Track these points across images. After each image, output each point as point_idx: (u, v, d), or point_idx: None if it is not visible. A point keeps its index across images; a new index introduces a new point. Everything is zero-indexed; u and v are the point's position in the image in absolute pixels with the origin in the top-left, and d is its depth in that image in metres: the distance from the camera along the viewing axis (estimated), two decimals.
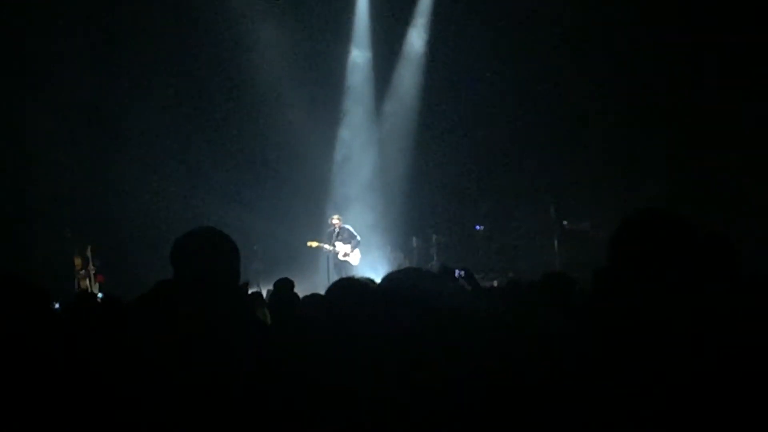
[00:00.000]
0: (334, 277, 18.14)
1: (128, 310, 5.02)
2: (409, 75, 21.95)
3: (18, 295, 4.03)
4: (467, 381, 2.93)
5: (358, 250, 19.34)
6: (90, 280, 18.10)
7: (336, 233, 19.20)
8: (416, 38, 21.86)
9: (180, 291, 3.67)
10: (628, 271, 3.10)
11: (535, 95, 20.24)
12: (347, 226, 19.40)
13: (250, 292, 10.26)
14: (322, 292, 10.78)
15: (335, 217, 19.47)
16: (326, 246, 19.09)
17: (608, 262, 3.18)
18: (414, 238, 21.64)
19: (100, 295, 14.24)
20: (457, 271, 8.44)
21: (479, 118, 20.65)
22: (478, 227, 21.20)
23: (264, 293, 12.53)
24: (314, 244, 19.18)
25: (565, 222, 19.64)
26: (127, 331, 3.87)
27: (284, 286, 9.23)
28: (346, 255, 19.11)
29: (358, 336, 3.38)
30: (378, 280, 4.04)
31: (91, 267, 18.21)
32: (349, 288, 3.99)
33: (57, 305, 6.81)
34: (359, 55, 22.01)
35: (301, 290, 9.95)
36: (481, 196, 21.35)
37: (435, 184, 21.30)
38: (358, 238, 19.38)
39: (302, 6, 20.57)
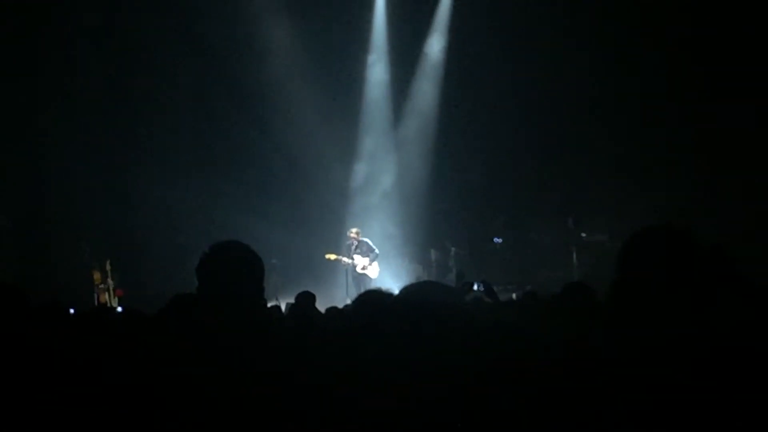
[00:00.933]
0: (353, 291, 18.16)
1: (148, 323, 5.04)
2: (427, 85, 21.90)
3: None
4: (487, 394, 2.92)
5: (377, 263, 19.31)
6: (109, 294, 18.15)
7: (355, 246, 19.18)
8: (434, 46, 21.80)
9: (202, 305, 3.68)
10: (637, 284, 3.11)
11: (554, 107, 20.20)
12: (366, 239, 19.38)
13: (268, 305, 10.26)
14: (341, 305, 10.81)
15: (354, 230, 19.44)
16: (344, 259, 19.08)
17: (618, 275, 3.20)
18: (432, 251, 21.60)
19: (119, 309, 14.27)
20: (476, 284, 8.44)
21: (498, 129, 20.60)
22: (496, 239, 21.16)
23: (282, 306, 12.53)
24: (332, 256, 19.17)
25: (583, 234, 19.60)
26: (148, 344, 3.88)
27: (306, 300, 9.25)
28: (364, 268, 19.09)
29: (377, 348, 3.38)
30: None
31: (110, 281, 18.26)
32: (372, 300, 3.98)
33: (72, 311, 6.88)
34: (377, 65, 21.99)
35: (320, 304, 9.96)
36: (499, 209, 21.32)
37: (453, 196, 21.26)
38: (377, 251, 19.36)
39: (319, 15, 20.54)
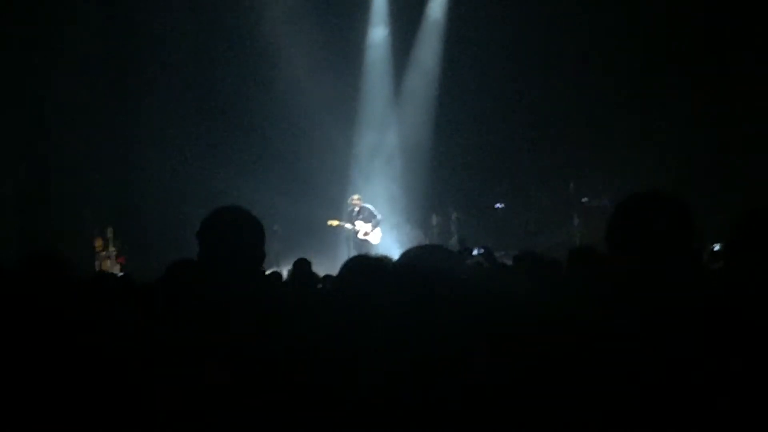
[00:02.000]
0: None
1: (148, 290, 5.04)
2: (429, 50, 21.85)
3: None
4: (482, 364, 2.91)
5: (379, 229, 19.31)
6: (111, 261, 18.18)
7: (357, 212, 19.18)
8: (436, 10, 21.72)
9: (202, 270, 3.67)
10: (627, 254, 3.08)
11: (557, 69, 20.17)
12: (368, 205, 19.36)
13: (269, 271, 10.28)
14: None
15: (356, 196, 19.43)
16: (347, 225, 19.08)
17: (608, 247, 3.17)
18: (434, 216, 21.59)
19: (120, 275, 14.29)
20: (476, 249, 8.43)
21: (499, 95, 20.56)
22: (497, 205, 21.16)
23: (284, 273, 12.54)
24: (335, 222, 19.16)
25: (584, 199, 19.58)
26: (148, 311, 3.88)
27: (302, 267, 9.28)
28: (366, 234, 19.09)
29: (370, 315, 3.37)
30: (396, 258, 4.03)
31: (111, 248, 18.29)
32: (363, 266, 3.98)
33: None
34: (378, 30, 21.92)
35: (322, 270, 9.98)
36: (500, 174, 21.29)
37: (455, 162, 21.23)
38: (379, 217, 19.35)
39: None
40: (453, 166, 21.24)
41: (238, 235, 3.67)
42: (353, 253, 18.45)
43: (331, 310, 3.66)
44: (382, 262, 3.99)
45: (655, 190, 3.15)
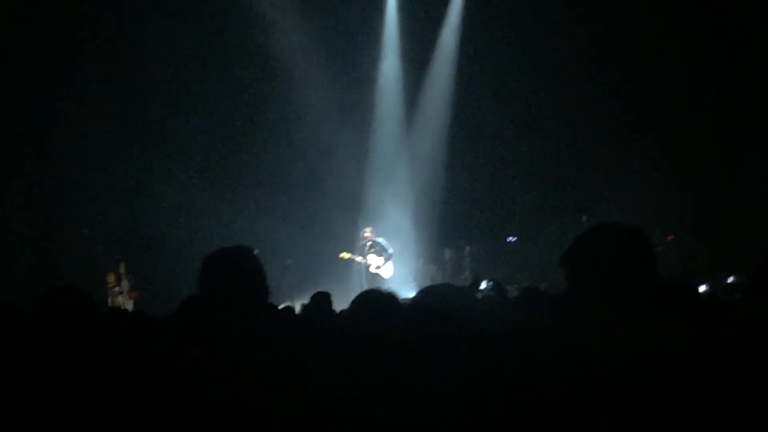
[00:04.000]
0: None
1: (159, 325, 5.03)
2: (440, 82, 21.83)
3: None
4: (489, 401, 2.91)
5: (391, 263, 19.27)
6: (123, 297, 18.18)
7: (369, 246, 19.15)
8: (446, 46, 21.75)
9: (206, 308, 3.67)
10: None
11: (569, 103, 20.17)
12: (379, 239, 19.34)
13: (281, 306, 10.24)
14: None
15: (368, 229, 19.41)
16: (358, 258, 19.04)
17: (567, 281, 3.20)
18: (446, 250, 21.54)
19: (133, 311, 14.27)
20: (484, 282, 8.38)
21: (512, 128, 20.58)
22: (510, 238, 21.11)
23: (297, 307, 12.50)
24: (347, 255, 19.13)
25: None
26: (157, 346, 3.88)
27: (321, 300, 9.18)
28: (378, 267, 19.06)
29: (380, 351, 3.36)
30: (406, 293, 4.02)
31: (124, 283, 18.29)
32: (372, 301, 3.96)
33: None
34: (390, 63, 21.94)
35: (337, 305, 9.92)
36: (513, 207, 21.27)
37: (467, 195, 21.21)
38: (391, 251, 19.32)
39: (331, 13, 20.53)
40: (466, 199, 21.21)
41: (231, 278, 3.67)
42: (365, 286, 18.42)
43: (342, 346, 3.65)
44: (392, 297, 3.98)
45: (615, 222, 3.22)
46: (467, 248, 20.95)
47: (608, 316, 2.98)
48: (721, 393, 2.75)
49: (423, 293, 3.44)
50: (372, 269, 19.04)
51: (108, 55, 19.74)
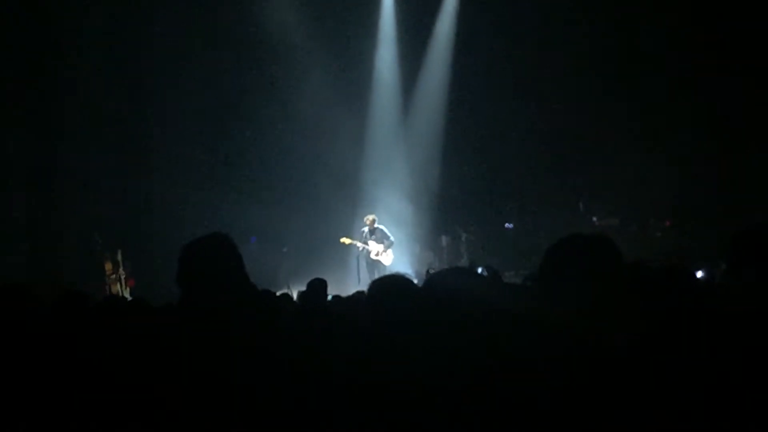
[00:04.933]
0: (365, 276, 18.21)
1: (154, 313, 5.04)
2: (437, 71, 21.84)
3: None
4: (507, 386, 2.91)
5: (391, 251, 19.26)
6: (121, 284, 18.18)
7: (370, 232, 19.15)
8: (443, 32, 21.72)
9: (187, 298, 3.67)
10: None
11: (565, 89, 20.17)
12: (381, 227, 19.32)
13: (278, 293, 10.25)
14: (352, 291, 10.78)
15: (370, 216, 19.36)
16: (359, 243, 19.02)
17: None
18: (443, 237, 21.57)
19: (130, 298, 14.29)
20: (479, 269, 8.38)
21: (509, 115, 20.58)
22: (507, 225, 21.12)
23: (294, 294, 12.52)
24: (347, 240, 19.10)
25: (594, 218, 19.56)
26: (150, 332, 3.89)
27: (318, 287, 9.22)
28: (378, 254, 19.03)
29: (400, 336, 3.35)
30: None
31: (121, 271, 18.29)
32: (394, 286, 3.91)
33: None
34: (386, 49, 21.93)
35: (331, 290, 9.93)
36: (510, 194, 21.28)
37: (464, 182, 21.22)
38: (392, 238, 19.29)
39: (328, 3, 20.54)
40: (462, 186, 21.23)
41: (212, 264, 3.66)
42: (365, 272, 18.44)
43: (351, 331, 3.64)
44: (412, 283, 3.95)
45: (580, 233, 3.26)
46: (464, 235, 20.96)
47: (578, 306, 3.02)
48: (686, 378, 2.80)
49: (434, 279, 3.43)
50: (372, 255, 19.02)
51: (107, 47, 19.72)
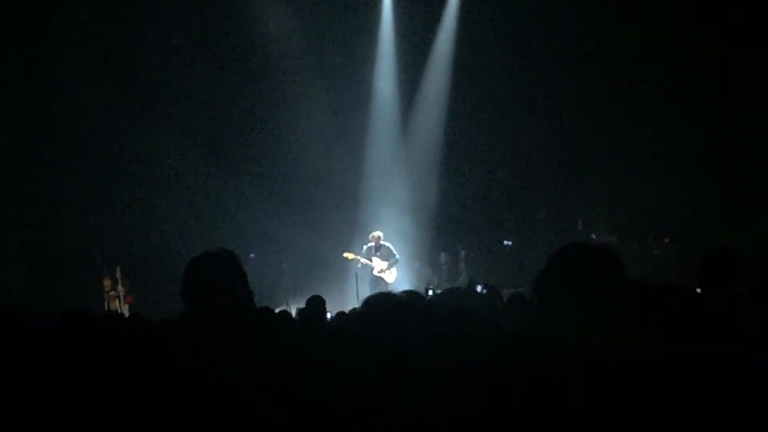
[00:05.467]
0: (365, 293, 18.11)
1: (153, 330, 5.06)
2: (436, 86, 21.83)
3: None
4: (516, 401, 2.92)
5: (395, 269, 19.18)
6: (120, 301, 18.19)
7: (375, 249, 19.09)
8: (442, 49, 21.74)
9: (191, 315, 3.68)
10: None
11: (564, 106, 20.19)
12: (387, 244, 19.24)
13: (277, 310, 10.24)
14: (350, 308, 10.75)
15: (376, 233, 19.29)
16: (362, 259, 18.95)
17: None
18: (442, 254, 21.56)
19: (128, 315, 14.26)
20: (479, 287, 8.39)
21: (508, 131, 20.60)
22: (506, 242, 21.10)
23: (293, 312, 12.50)
24: (350, 255, 19.01)
25: (593, 235, 19.55)
26: (150, 351, 3.89)
27: (315, 304, 9.22)
28: (381, 271, 18.96)
29: (393, 353, 3.36)
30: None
31: (120, 288, 18.29)
32: (388, 304, 3.91)
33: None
34: (386, 66, 21.95)
35: (330, 308, 9.94)
36: (509, 211, 21.28)
37: (463, 199, 21.23)
38: (397, 257, 19.21)
39: (327, 17, 20.58)
40: (461, 203, 21.24)
41: (216, 282, 3.66)
42: (363, 289, 18.36)
43: (349, 347, 3.64)
44: (409, 300, 3.95)
45: (584, 242, 3.32)
46: (463, 252, 20.96)
47: (577, 319, 3.02)
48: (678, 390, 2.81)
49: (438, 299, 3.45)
50: (375, 272, 18.97)
51: (102, 58, 19.71)
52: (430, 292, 14.98)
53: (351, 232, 20.60)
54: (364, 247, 19.21)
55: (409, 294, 4.28)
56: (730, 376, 2.92)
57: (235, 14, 20.39)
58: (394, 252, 19.21)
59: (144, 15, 19.78)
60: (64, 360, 4.28)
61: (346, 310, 10.58)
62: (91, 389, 3.74)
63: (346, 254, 19.08)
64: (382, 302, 3.89)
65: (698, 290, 9.37)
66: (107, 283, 18.30)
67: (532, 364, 2.95)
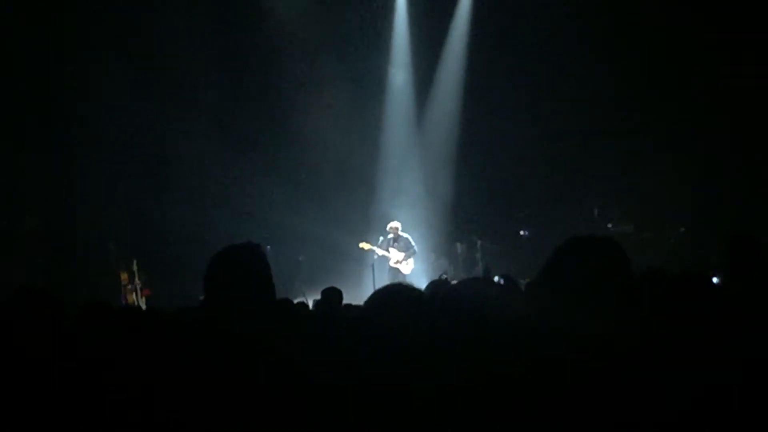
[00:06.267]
0: (384, 283, 18.08)
1: (169, 322, 5.07)
2: (451, 75, 21.83)
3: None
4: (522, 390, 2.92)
5: (412, 260, 19.18)
6: (137, 294, 18.24)
7: (393, 239, 19.09)
8: (457, 41, 21.73)
9: (213, 307, 3.69)
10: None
11: (580, 98, 20.13)
12: (406, 235, 19.24)
13: (295, 302, 10.25)
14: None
15: (395, 224, 19.30)
16: (378, 250, 18.93)
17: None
18: (458, 244, 21.54)
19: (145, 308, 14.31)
20: (497, 278, 8.37)
21: (523, 121, 20.54)
22: (522, 232, 21.06)
23: (310, 303, 12.50)
24: (366, 246, 18.98)
25: (609, 225, 19.50)
26: (166, 343, 3.91)
27: (331, 296, 9.21)
28: (398, 262, 18.96)
29: (401, 345, 3.36)
30: (422, 287, 4.00)
31: (137, 281, 18.35)
32: (395, 294, 3.91)
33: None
34: (401, 58, 21.94)
35: (347, 299, 9.93)
36: (525, 201, 21.24)
37: (479, 189, 21.20)
38: (415, 248, 19.20)
39: (342, 12, 20.59)
40: (477, 193, 21.21)
41: (242, 275, 3.68)
42: (380, 280, 18.35)
43: (361, 338, 3.65)
44: (412, 290, 3.94)
45: (590, 234, 3.32)
46: (479, 242, 20.93)
47: (583, 311, 3.03)
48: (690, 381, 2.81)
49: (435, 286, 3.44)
50: (392, 263, 18.97)
51: (125, 56, 19.74)
52: (443, 277, 14.98)
53: (367, 222, 20.61)
54: (382, 238, 19.21)
55: (430, 286, 4.27)
56: (745, 368, 2.91)
57: (250, 3, 20.41)
58: (413, 243, 19.21)
59: (158, 6, 19.78)
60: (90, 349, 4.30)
61: (362, 302, 10.56)
62: (110, 379, 3.76)
63: (362, 245, 19.06)
64: (389, 294, 3.89)
65: (715, 279, 9.40)
66: (124, 276, 18.35)
67: (532, 355, 2.95)
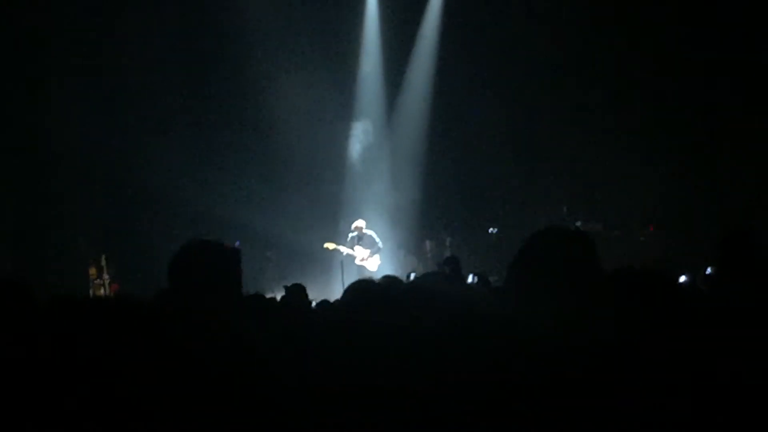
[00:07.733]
0: (350, 282, 18.08)
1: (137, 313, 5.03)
2: (420, 75, 21.87)
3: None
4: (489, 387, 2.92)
5: (378, 257, 19.19)
6: (105, 289, 18.18)
7: (357, 237, 19.10)
8: (426, 41, 21.76)
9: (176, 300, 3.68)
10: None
11: (547, 95, 20.21)
12: (370, 232, 19.25)
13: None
14: (336, 297, 10.77)
15: (359, 222, 19.31)
16: (343, 248, 18.95)
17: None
18: (427, 242, 21.58)
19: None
20: (470, 277, 8.40)
21: (492, 118, 20.59)
22: (491, 229, 21.12)
23: (278, 299, 12.49)
24: (331, 246, 19.01)
25: (578, 222, 19.59)
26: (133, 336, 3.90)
27: (296, 292, 9.23)
28: (363, 260, 18.98)
29: (372, 340, 3.37)
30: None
31: (105, 276, 18.28)
32: (367, 291, 3.92)
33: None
34: (370, 55, 21.94)
35: (316, 297, 9.94)
36: (493, 198, 21.31)
37: (448, 186, 21.24)
38: (380, 245, 19.23)
39: (312, 10, 20.56)
40: (446, 190, 21.25)
41: (203, 269, 3.67)
42: (348, 278, 18.34)
43: (333, 335, 3.65)
44: (389, 286, 3.95)
45: (559, 226, 3.36)
46: (448, 239, 20.98)
47: (549, 307, 3.04)
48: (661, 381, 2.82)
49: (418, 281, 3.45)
50: (357, 261, 18.98)
51: (91, 47, 19.64)
52: (412, 276, 15.03)
53: (335, 221, 20.61)
54: (348, 236, 19.22)
55: (386, 279, 4.28)
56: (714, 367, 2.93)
57: (215, 4, 20.33)
58: (377, 240, 19.22)
59: (120, 10, 19.71)
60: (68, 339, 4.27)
61: (334, 299, 10.59)
62: (78, 373, 3.74)
63: (327, 245, 19.08)
64: (362, 288, 3.90)
65: (682, 278, 9.47)
66: (93, 270, 18.29)
67: (502, 351, 2.96)
